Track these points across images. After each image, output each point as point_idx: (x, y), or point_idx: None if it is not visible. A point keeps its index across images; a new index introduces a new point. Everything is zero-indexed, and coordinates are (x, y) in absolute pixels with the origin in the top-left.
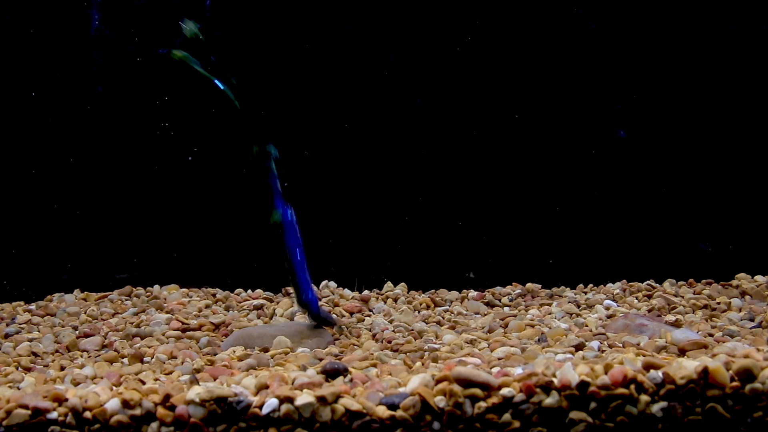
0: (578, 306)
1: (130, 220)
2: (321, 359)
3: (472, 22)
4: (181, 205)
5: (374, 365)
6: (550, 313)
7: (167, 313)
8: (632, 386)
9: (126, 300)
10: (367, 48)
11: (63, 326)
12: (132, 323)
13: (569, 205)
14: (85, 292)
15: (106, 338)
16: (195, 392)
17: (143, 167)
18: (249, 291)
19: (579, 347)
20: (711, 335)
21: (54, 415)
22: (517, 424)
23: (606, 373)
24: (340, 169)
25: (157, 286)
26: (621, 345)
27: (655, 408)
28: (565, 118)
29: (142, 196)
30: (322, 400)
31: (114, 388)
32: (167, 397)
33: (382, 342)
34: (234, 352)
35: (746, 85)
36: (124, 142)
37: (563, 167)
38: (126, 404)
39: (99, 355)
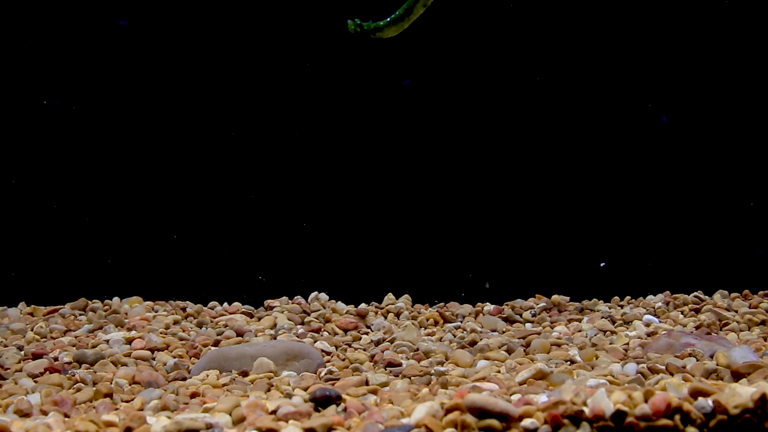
0: (613, 322)
1: (86, 222)
2: (310, 384)
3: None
4: (145, 206)
5: (373, 392)
6: (580, 331)
7: (128, 330)
8: (677, 417)
9: (80, 315)
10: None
11: (6, 346)
12: (87, 344)
13: (602, 205)
14: (32, 306)
15: (56, 360)
16: (160, 424)
17: (102, 166)
18: (225, 304)
19: (614, 371)
20: None
21: None
22: None
23: (646, 402)
24: (338, 168)
25: (116, 299)
26: (664, 368)
27: None
28: (600, 114)
29: (101, 195)
30: None
31: (66, 419)
32: (128, 430)
33: (381, 364)
34: (207, 376)
35: None
36: (77, 143)
37: (597, 163)
38: None
39: (48, 380)
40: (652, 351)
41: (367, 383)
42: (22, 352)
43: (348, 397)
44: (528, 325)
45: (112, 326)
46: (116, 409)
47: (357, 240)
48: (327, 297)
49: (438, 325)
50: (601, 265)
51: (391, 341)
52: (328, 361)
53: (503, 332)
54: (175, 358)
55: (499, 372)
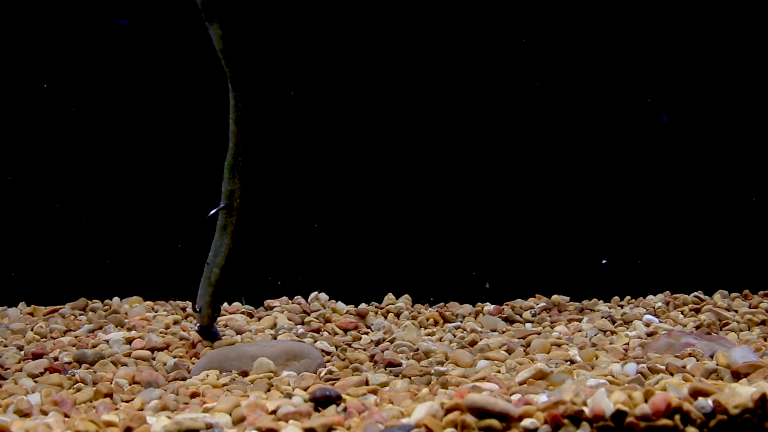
0: (613, 322)
1: (86, 223)
2: (310, 384)
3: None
4: (145, 206)
5: (373, 392)
6: (580, 330)
7: (128, 330)
8: (677, 416)
9: (80, 315)
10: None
11: (6, 346)
12: (87, 344)
13: (602, 205)
14: (32, 306)
15: (56, 360)
16: (160, 424)
17: (100, 166)
18: (225, 304)
19: (614, 371)
20: None
21: None
22: None
23: (646, 402)
24: (338, 168)
25: (116, 299)
26: (664, 368)
27: None
28: (597, 115)
29: (101, 195)
30: None
31: (66, 419)
32: (128, 430)
33: (381, 364)
34: (207, 376)
35: None
36: (78, 144)
37: (597, 163)
38: None
39: (48, 380)
40: (652, 351)
41: (367, 383)
42: (22, 352)
43: (348, 397)
44: (528, 325)
45: (112, 326)
46: (116, 409)
47: (357, 240)
48: (327, 297)
49: (438, 325)
50: (603, 262)
51: (391, 341)
52: (328, 361)
53: (503, 332)
54: (175, 358)
55: (499, 372)
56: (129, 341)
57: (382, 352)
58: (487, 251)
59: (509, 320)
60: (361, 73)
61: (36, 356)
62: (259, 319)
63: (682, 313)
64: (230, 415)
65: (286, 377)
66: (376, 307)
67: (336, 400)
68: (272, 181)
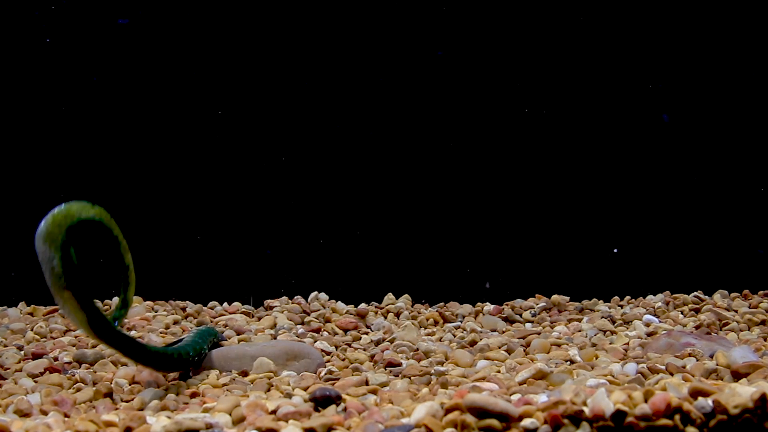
0: (613, 322)
1: (86, 222)
2: (310, 384)
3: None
4: (145, 206)
5: (373, 392)
6: (580, 330)
7: (128, 330)
8: (677, 416)
9: None
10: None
11: (6, 346)
12: (87, 344)
13: (602, 205)
14: (32, 306)
15: (56, 360)
16: (160, 424)
17: (102, 166)
18: (225, 304)
19: (614, 371)
20: None
21: None
22: None
23: (646, 401)
24: (338, 168)
25: (116, 299)
26: (664, 368)
27: None
28: (597, 116)
29: (100, 195)
30: None
31: (66, 419)
32: (128, 430)
33: (381, 364)
34: (207, 376)
35: None
36: (77, 143)
37: (597, 163)
38: None
39: (48, 380)
40: (652, 351)
41: (367, 383)
42: (22, 352)
43: (348, 397)
44: (528, 325)
45: None
46: (116, 409)
47: (357, 240)
48: (327, 297)
49: (438, 325)
50: (614, 251)
51: (391, 341)
52: (328, 361)
53: (503, 332)
54: None
55: (499, 372)
56: None
57: (382, 352)
58: (487, 251)
59: (509, 320)
60: (362, 73)
61: (36, 356)
62: (259, 319)
63: (682, 313)
64: (230, 415)
65: (286, 377)
66: (376, 307)
67: (336, 400)
68: (272, 183)
